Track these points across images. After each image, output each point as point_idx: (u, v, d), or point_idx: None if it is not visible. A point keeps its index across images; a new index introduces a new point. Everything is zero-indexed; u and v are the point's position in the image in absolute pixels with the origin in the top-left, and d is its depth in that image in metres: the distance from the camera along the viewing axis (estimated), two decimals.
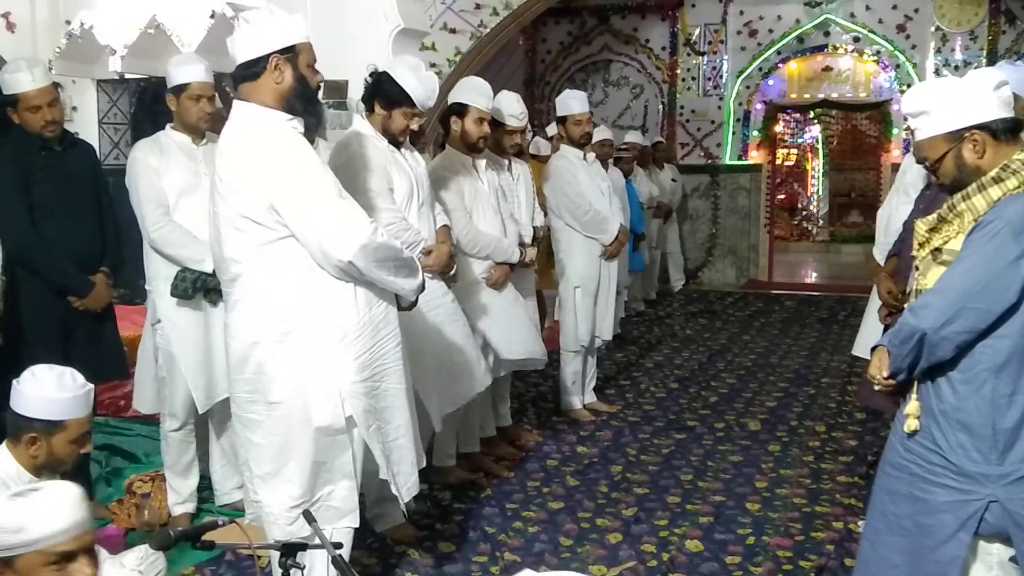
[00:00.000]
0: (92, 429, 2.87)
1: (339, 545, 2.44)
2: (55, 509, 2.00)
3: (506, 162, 4.93)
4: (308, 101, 2.82)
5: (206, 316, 3.86)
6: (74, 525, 2.00)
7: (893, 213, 4.28)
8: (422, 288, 3.00)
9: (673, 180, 10.76)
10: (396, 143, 3.86)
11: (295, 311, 2.79)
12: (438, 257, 3.91)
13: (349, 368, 2.82)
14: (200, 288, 3.79)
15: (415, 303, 3.06)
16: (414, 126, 3.84)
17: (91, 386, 2.69)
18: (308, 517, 2.50)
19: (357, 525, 2.98)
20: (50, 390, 2.59)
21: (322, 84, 2.90)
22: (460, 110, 4.44)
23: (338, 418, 2.82)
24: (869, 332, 4.51)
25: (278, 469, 2.86)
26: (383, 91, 3.81)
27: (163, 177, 3.80)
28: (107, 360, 4.09)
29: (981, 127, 2.36)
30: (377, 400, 2.90)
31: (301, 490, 2.86)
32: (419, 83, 3.78)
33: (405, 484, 3.04)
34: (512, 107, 4.75)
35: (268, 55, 2.77)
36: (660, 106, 11.99)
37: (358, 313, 2.83)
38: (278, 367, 2.81)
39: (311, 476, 2.86)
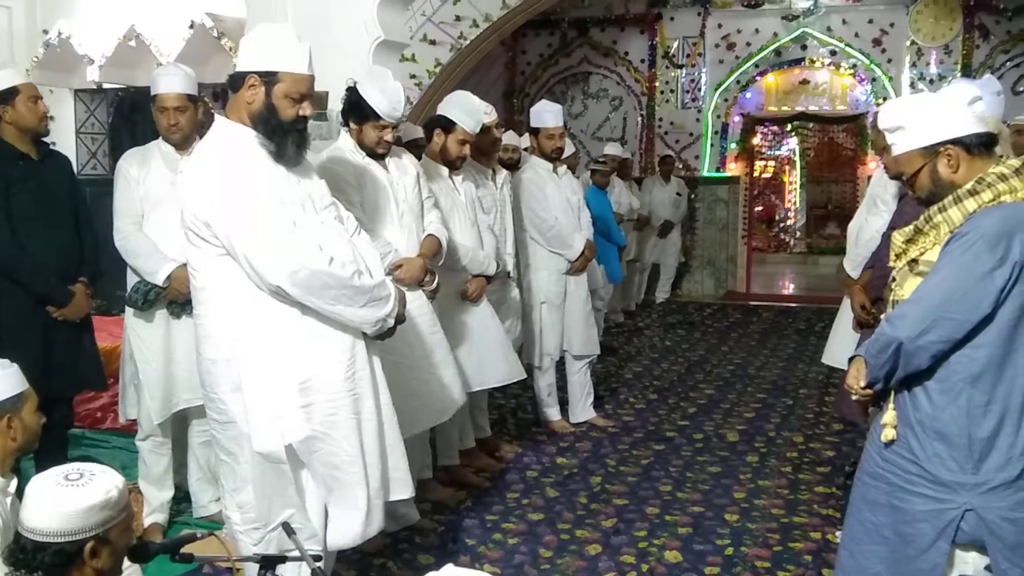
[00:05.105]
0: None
1: (318, 558, 2.43)
2: (113, 474, 2.11)
3: (490, 171, 4.92)
4: (271, 130, 2.75)
5: (168, 328, 3.88)
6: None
7: (864, 225, 4.32)
8: (393, 319, 2.89)
9: (678, 194, 10.84)
10: (375, 155, 3.84)
11: (242, 330, 2.74)
12: (408, 270, 3.85)
13: (292, 394, 2.75)
14: (153, 300, 3.82)
15: (391, 332, 2.94)
16: (388, 137, 3.79)
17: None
18: (288, 530, 2.49)
19: (320, 548, 2.87)
20: None
21: (306, 118, 2.80)
22: (446, 126, 4.37)
23: (277, 446, 2.75)
24: (839, 340, 4.57)
25: (237, 488, 2.85)
26: (353, 107, 3.81)
27: (141, 186, 3.85)
28: (85, 370, 4.08)
29: (955, 142, 2.40)
30: (330, 427, 2.80)
31: (256, 512, 2.82)
32: (383, 96, 3.72)
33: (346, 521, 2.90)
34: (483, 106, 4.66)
35: (248, 72, 2.76)
36: (639, 118, 12.07)
37: (305, 338, 2.76)
38: (227, 386, 2.77)
39: (263, 499, 2.81)
